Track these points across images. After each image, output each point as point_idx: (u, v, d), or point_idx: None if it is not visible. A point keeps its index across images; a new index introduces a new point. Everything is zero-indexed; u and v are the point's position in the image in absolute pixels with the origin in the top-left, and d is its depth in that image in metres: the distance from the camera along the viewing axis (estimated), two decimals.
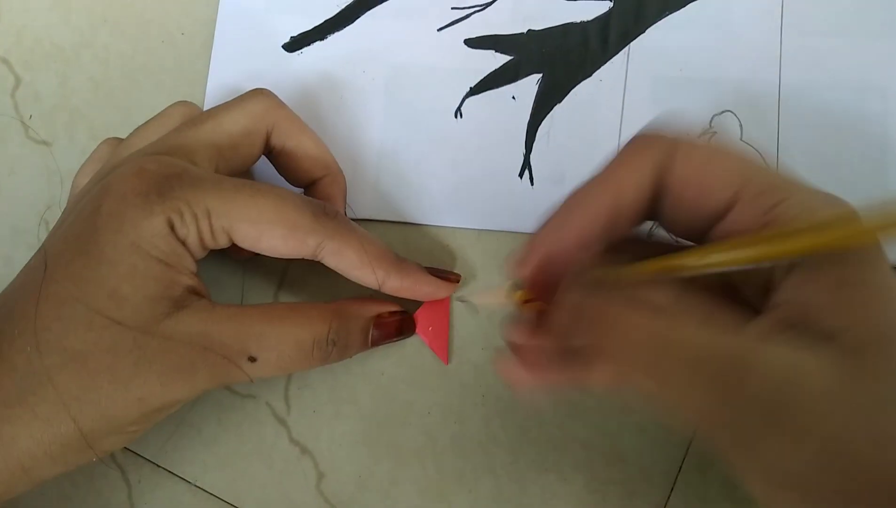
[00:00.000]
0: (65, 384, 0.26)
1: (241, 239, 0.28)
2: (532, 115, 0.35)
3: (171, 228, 0.27)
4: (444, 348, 0.33)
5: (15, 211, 0.39)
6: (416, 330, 0.33)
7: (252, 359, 0.28)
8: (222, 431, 0.35)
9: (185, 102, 0.33)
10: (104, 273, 0.26)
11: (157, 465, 0.35)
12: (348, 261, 0.29)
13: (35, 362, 0.26)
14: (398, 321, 0.32)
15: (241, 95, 0.31)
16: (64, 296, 0.26)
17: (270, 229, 0.28)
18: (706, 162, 0.23)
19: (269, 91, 0.32)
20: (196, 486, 0.35)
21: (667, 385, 0.21)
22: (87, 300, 0.26)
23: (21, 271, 0.29)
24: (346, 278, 0.30)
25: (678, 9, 0.35)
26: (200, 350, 0.27)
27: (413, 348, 0.34)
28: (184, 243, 0.27)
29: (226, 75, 0.38)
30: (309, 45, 0.37)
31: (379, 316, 0.31)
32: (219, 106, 0.31)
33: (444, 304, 0.33)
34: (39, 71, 0.40)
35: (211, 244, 0.28)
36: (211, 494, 0.35)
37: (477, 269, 0.34)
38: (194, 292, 0.28)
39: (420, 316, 0.33)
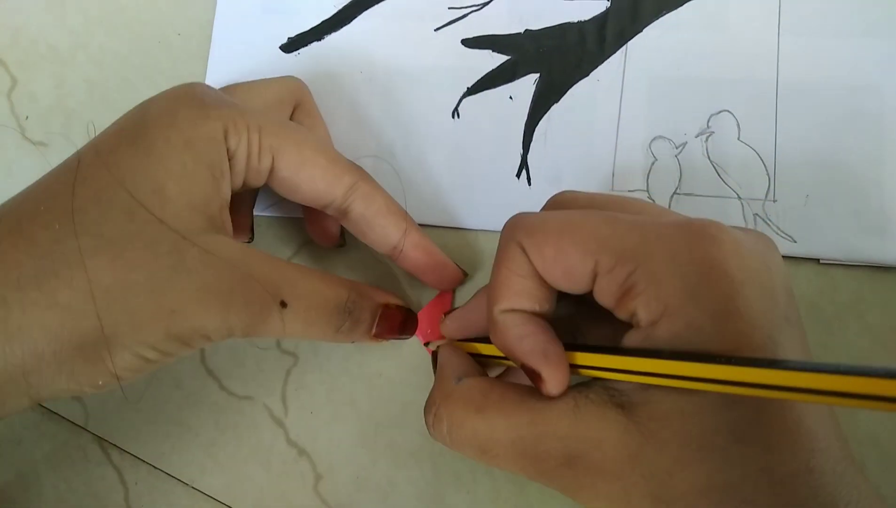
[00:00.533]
0: (97, 271, 0.23)
1: (284, 164, 0.28)
2: (529, 114, 0.35)
3: (225, 135, 0.26)
4: None
5: None
6: (416, 332, 0.33)
7: (283, 304, 0.26)
8: (219, 433, 0.35)
9: None
10: (152, 166, 0.25)
11: (155, 467, 0.35)
12: (377, 207, 0.30)
13: (64, 241, 0.23)
14: (403, 316, 0.32)
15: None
16: (105, 180, 0.25)
17: (314, 157, 0.29)
18: (556, 250, 0.23)
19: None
20: (193, 488, 0.35)
21: (497, 464, 0.24)
22: (131, 190, 0.24)
23: (52, 169, 0.27)
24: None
25: (675, 8, 0.35)
26: (240, 277, 0.25)
27: (411, 349, 0.34)
28: (231, 159, 0.27)
29: (223, 76, 0.38)
30: (306, 45, 0.37)
31: (386, 305, 0.31)
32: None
33: (444, 306, 0.33)
34: (35, 72, 0.40)
35: (255, 164, 0.28)
36: (208, 496, 0.34)
37: (475, 269, 0.34)
38: (224, 225, 0.27)
39: (420, 318, 0.33)
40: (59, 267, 0.23)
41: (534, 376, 0.23)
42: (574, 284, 0.23)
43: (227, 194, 0.27)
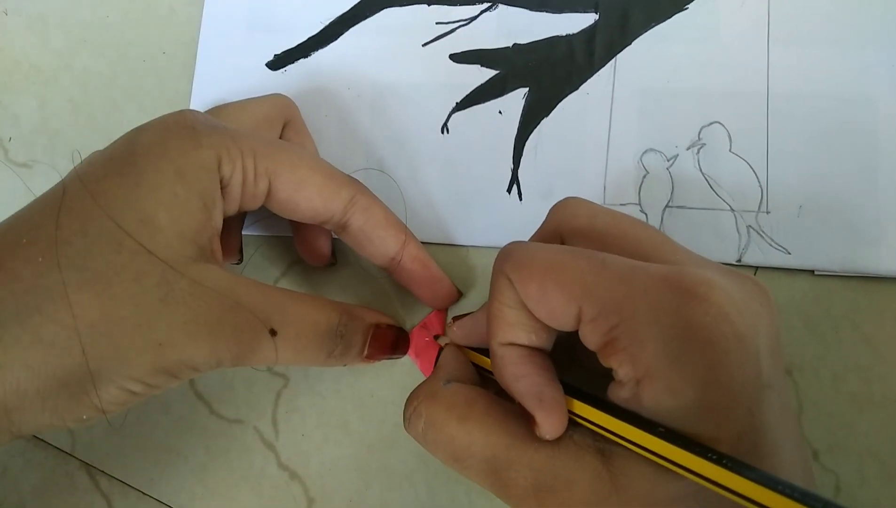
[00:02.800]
0: (82, 306, 0.23)
1: (281, 186, 0.28)
2: (519, 129, 0.34)
3: (219, 164, 0.26)
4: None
5: None
6: (408, 351, 0.32)
7: (273, 332, 0.26)
8: (210, 458, 0.34)
9: None
10: (141, 196, 0.24)
11: (144, 493, 0.34)
12: (375, 219, 0.30)
13: (48, 276, 0.23)
14: (395, 335, 0.31)
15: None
16: (91, 211, 0.24)
17: (311, 176, 0.28)
18: (540, 291, 0.23)
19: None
20: None
21: (467, 474, 0.25)
22: (118, 220, 0.24)
23: (35, 198, 0.26)
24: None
25: (664, 20, 0.34)
26: (229, 306, 0.25)
27: (402, 369, 0.33)
28: (224, 188, 0.27)
29: (209, 95, 0.37)
30: (293, 62, 0.37)
31: (377, 325, 0.30)
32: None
33: (437, 325, 0.33)
34: (18, 93, 0.39)
35: (251, 189, 0.27)
36: None
37: (467, 286, 0.34)
38: (213, 254, 0.27)
39: (412, 337, 0.32)
40: (42, 303, 0.23)
41: (528, 417, 0.23)
42: (558, 324, 0.23)
43: (219, 223, 0.27)
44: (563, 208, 0.26)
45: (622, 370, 0.21)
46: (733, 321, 0.21)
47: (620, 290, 0.21)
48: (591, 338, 0.22)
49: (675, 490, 0.21)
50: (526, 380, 0.23)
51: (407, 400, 0.27)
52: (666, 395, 0.21)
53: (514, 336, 0.24)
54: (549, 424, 0.23)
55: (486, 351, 0.28)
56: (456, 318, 0.30)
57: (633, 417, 0.21)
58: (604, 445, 0.22)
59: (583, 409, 0.23)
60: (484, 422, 0.24)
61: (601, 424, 0.22)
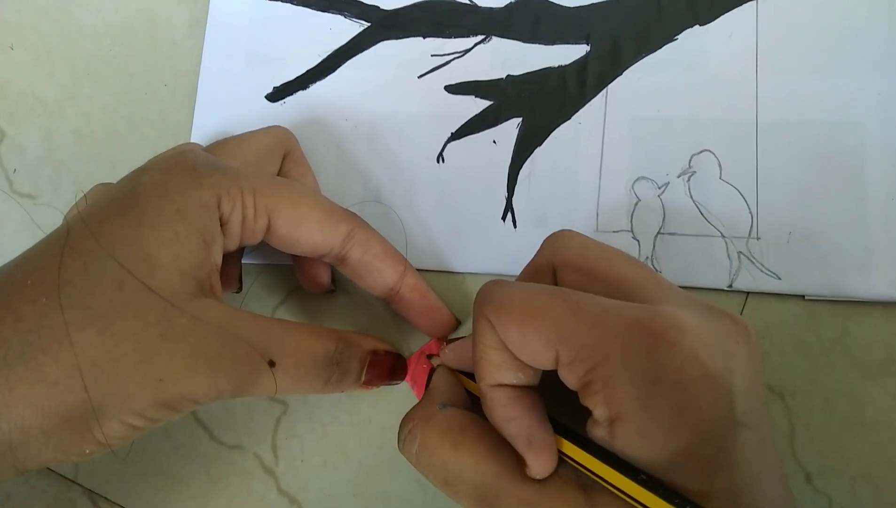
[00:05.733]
0: (84, 344, 0.23)
1: (281, 223, 0.29)
2: (513, 158, 0.35)
3: (219, 202, 0.27)
4: None
5: None
6: (406, 377, 0.33)
7: (272, 364, 0.26)
8: (211, 483, 0.35)
9: None
10: (143, 235, 0.25)
11: None
12: (374, 252, 0.31)
13: (51, 315, 0.24)
14: (392, 361, 0.32)
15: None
16: (93, 251, 0.25)
17: (310, 212, 0.29)
18: (520, 335, 0.23)
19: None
20: None
21: (456, 499, 0.25)
22: (120, 259, 0.25)
23: (42, 239, 0.27)
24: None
25: (654, 50, 0.35)
26: (228, 340, 0.26)
27: (401, 394, 0.34)
28: (224, 225, 0.27)
29: (209, 126, 0.38)
30: (291, 94, 0.38)
31: (375, 352, 0.31)
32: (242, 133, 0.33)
33: (433, 354, 0.33)
34: (24, 125, 0.40)
35: (251, 225, 0.28)
36: None
37: (464, 313, 0.34)
38: (213, 289, 0.27)
39: (410, 363, 0.33)
40: (46, 342, 0.23)
41: (519, 457, 0.24)
42: (540, 365, 0.23)
43: (219, 259, 0.28)
44: (556, 239, 0.27)
45: (598, 411, 0.22)
46: (703, 363, 0.21)
47: (594, 334, 0.22)
48: (569, 379, 0.23)
49: None
50: (515, 422, 0.24)
51: (402, 421, 0.27)
52: (637, 437, 0.21)
53: (501, 377, 0.24)
54: (539, 465, 0.23)
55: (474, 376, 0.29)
56: (449, 341, 0.31)
57: (617, 462, 0.22)
58: (584, 480, 0.23)
59: (570, 449, 0.23)
60: (475, 450, 0.24)
61: (586, 465, 0.23)
